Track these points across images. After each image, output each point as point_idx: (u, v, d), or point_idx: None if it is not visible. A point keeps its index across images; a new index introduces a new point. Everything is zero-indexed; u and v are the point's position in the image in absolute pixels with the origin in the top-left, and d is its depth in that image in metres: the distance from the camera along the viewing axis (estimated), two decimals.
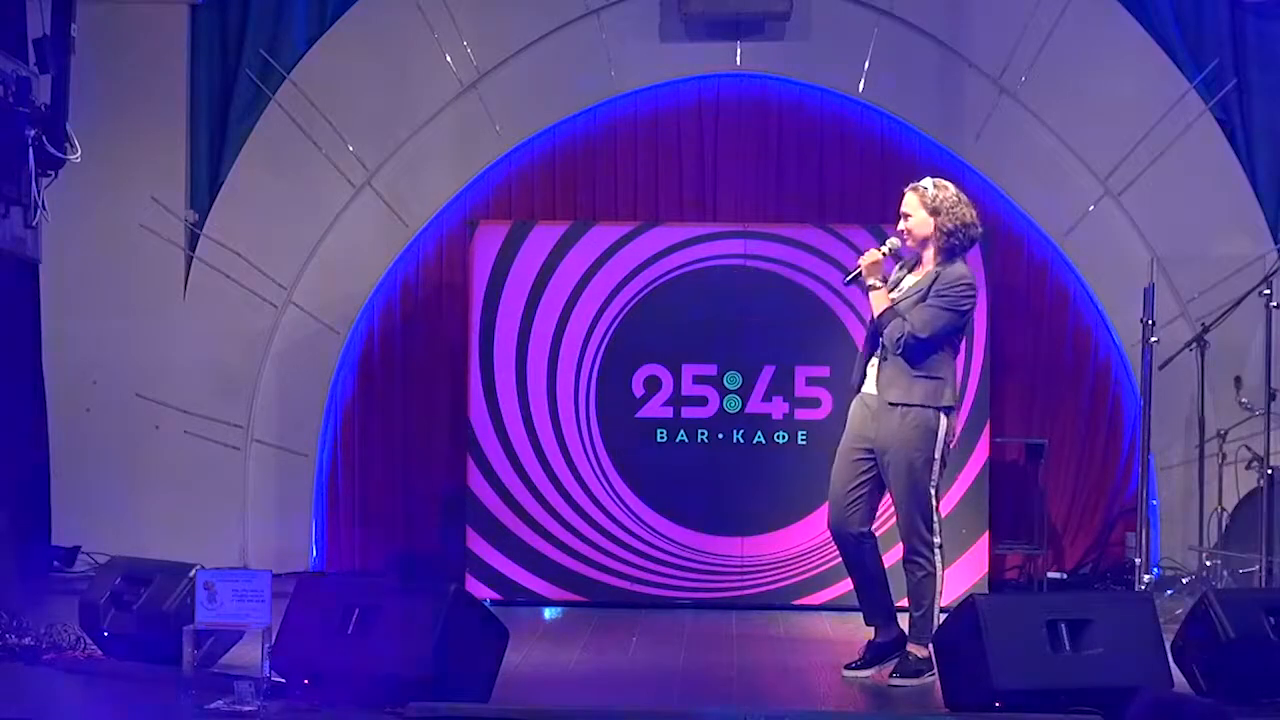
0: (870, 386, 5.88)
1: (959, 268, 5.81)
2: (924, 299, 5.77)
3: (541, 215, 8.38)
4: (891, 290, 5.90)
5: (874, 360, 5.90)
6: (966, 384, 7.73)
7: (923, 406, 5.75)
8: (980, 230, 5.90)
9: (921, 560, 5.77)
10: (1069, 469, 8.42)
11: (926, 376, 5.76)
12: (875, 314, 5.85)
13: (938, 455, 5.78)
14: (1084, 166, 8.40)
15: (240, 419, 8.52)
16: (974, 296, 5.82)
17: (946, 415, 5.80)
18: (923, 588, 5.77)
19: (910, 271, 5.95)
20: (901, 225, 5.90)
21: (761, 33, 8.45)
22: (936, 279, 5.78)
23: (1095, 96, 8.38)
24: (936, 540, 5.78)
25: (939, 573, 5.77)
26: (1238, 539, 7.53)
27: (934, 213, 5.79)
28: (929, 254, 5.87)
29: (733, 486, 7.73)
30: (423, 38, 8.47)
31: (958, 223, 5.78)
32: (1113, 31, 8.40)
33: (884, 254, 5.91)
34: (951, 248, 5.80)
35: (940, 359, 5.81)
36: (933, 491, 5.78)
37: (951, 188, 5.87)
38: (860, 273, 5.90)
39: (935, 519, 5.79)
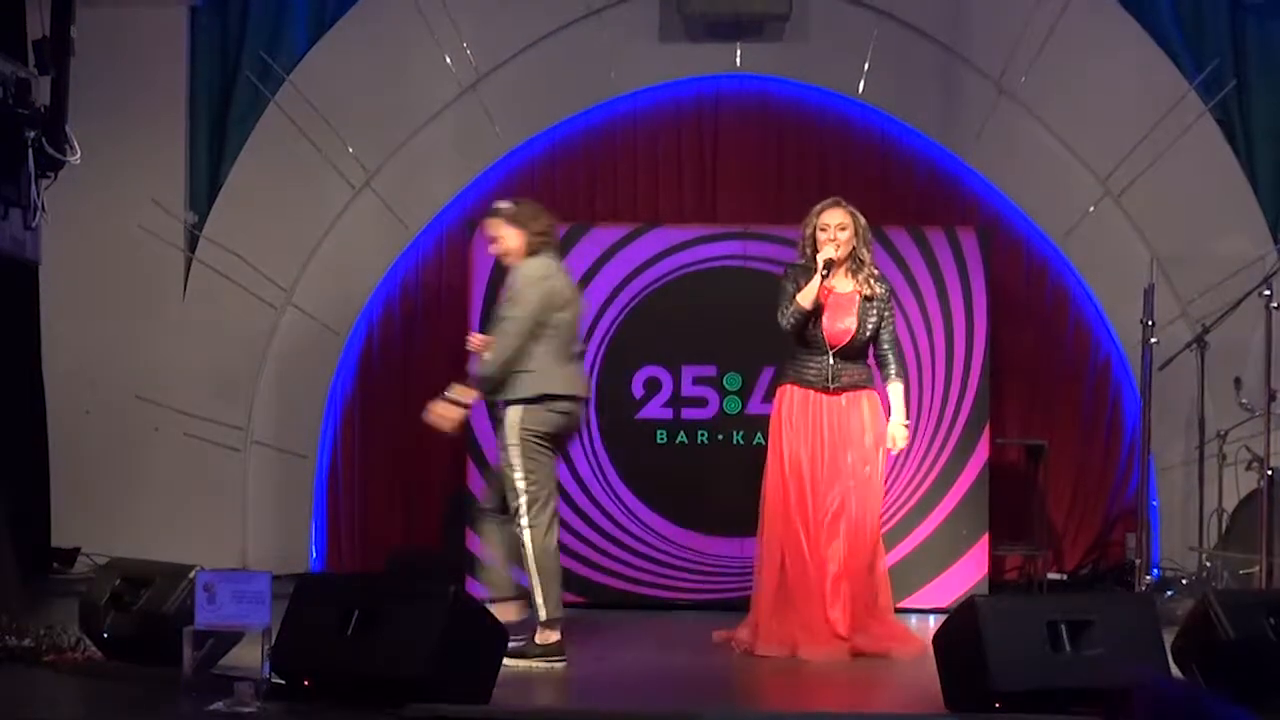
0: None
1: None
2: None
3: None
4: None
5: None
6: (966, 385, 7.74)
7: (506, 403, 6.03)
8: None
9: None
10: (1069, 470, 8.41)
11: (515, 371, 5.98)
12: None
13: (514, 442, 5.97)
14: (1084, 166, 8.39)
15: (240, 420, 8.52)
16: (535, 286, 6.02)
17: (521, 406, 5.97)
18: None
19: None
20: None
21: (761, 34, 8.45)
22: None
23: (1095, 96, 8.38)
24: (524, 521, 5.98)
25: (528, 548, 5.98)
26: (1238, 539, 7.52)
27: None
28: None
29: (733, 488, 7.67)
30: (422, 39, 8.47)
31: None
32: (1113, 32, 8.40)
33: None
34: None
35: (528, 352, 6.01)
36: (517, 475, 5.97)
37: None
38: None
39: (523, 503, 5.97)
